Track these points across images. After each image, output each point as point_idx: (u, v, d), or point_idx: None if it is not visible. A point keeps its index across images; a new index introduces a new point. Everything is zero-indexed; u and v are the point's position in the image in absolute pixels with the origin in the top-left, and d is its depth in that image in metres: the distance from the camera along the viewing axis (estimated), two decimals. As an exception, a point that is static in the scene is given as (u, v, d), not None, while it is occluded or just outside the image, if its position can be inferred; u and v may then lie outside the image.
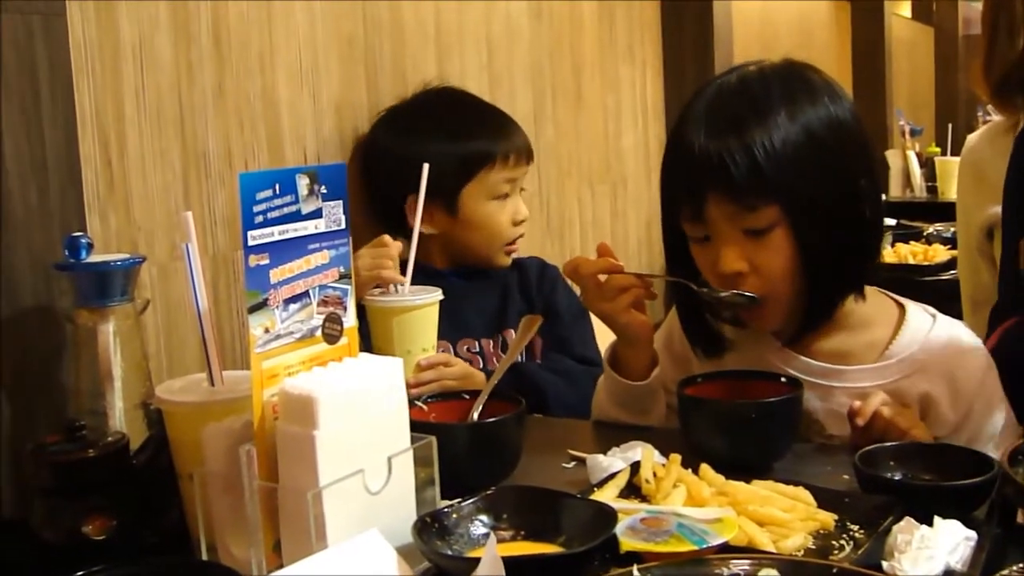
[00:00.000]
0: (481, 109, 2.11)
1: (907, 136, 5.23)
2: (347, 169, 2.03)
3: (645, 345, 1.57)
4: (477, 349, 1.98)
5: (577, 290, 1.65)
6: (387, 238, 1.75)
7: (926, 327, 1.54)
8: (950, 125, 5.42)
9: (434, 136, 1.97)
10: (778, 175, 1.39)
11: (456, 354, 1.94)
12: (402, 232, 1.91)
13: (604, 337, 1.81)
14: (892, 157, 5.23)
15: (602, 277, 1.53)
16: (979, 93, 2.00)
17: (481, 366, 1.94)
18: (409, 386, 1.53)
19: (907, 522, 1.06)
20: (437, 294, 1.66)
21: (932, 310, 1.58)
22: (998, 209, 1.87)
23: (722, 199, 1.41)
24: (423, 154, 1.83)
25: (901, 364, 1.51)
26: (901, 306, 1.57)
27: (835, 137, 1.44)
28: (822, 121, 1.43)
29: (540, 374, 1.90)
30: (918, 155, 5.25)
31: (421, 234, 1.84)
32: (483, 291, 2.03)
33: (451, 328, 1.88)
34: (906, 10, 8.08)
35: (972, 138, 2.03)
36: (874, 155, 1.52)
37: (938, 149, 5.48)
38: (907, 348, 1.52)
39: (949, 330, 1.54)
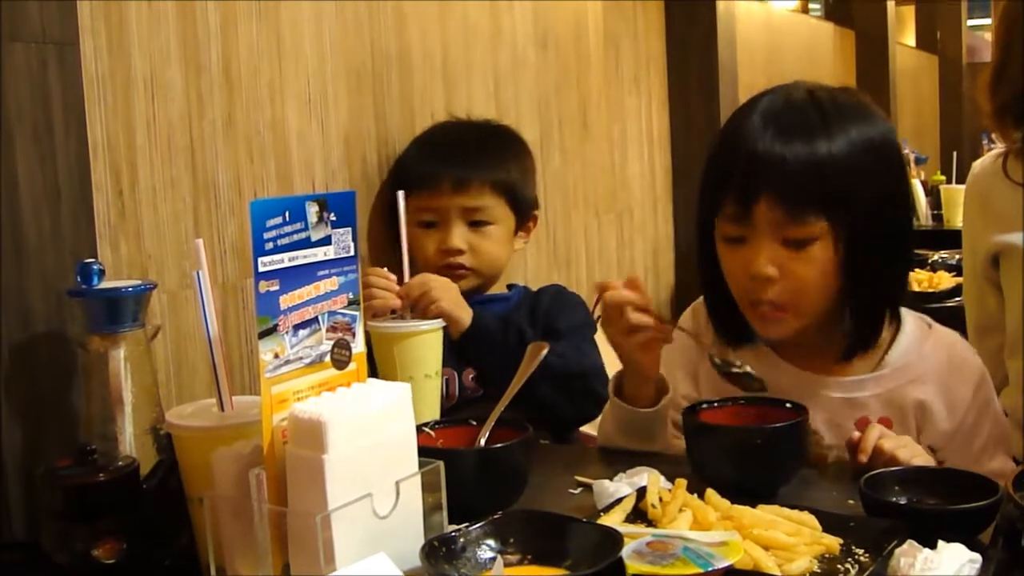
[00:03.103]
0: (444, 135, 2.15)
1: (912, 165, 5.24)
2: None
3: (651, 380, 1.57)
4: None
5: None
6: (374, 269, 1.78)
7: (922, 336, 1.57)
8: (955, 153, 5.43)
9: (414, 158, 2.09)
10: (837, 189, 1.43)
11: (461, 384, 1.95)
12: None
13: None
14: (897, 186, 5.24)
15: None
16: (983, 104, 1.95)
17: (481, 393, 1.95)
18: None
19: (910, 545, 1.07)
20: (440, 320, 1.67)
21: (928, 319, 1.61)
22: (1002, 237, 1.87)
23: (774, 204, 1.43)
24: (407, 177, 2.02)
25: (897, 373, 1.54)
26: (898, 316, 1.59)
27: (888, 155, 1.50)
28: (881, 139, 1.49)
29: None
30: (923, 183, 5.25)
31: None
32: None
33: (457, 358, 1.89)
34: (910, 39, 8.13)
35: (977, 165, 2.02)
36: (909, 182, 1.59)
37: (943, 177, 5.48)
38: (903, 357, 1.55)
39: (945, 340, 1.58)
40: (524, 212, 2.09)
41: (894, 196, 1.51)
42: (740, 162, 1.46)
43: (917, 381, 1.53)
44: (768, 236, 1.45)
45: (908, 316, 1.59)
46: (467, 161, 2.02)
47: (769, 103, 1.51)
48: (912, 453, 1.42)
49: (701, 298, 1.68)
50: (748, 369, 1.48)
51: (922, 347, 1.56)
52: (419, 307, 1.76)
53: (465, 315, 1.83)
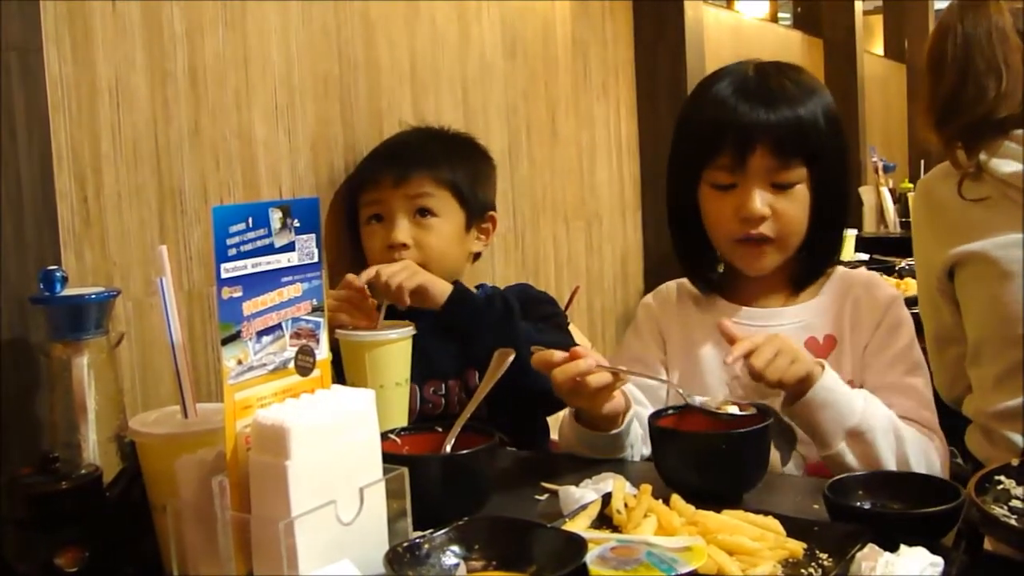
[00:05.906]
0: (397, 139, 2.17)
1: (880, 172, 5.28)
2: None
3: (615, 415, 1.57)
4: (443, 391, 1.96)
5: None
6: (352, 279, 1.77)
7: (834, 273, 1.82)
8: (923, 161, 5.48)
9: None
10: (813, 144, 1.71)
11: (423, 397, 1.94)
12: None
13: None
14: (866, 193, 5.27)
15: None
16: (925, 133, 1.92)
17: (443, 407, 1.94)
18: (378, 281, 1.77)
19: (871, 549, 1.08)
20: (409, 329, 1.66)
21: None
22: (958, 248, 1.85)
23: (767, 153, 1.69)
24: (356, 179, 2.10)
25: (810, 305, 1.78)
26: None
27: (837, 119, 1.77)
28: (832, 106, 1.77)
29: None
30: (891, 191, 5.29)
31: None
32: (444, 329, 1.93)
33: (418, 370, 1.80)
34: (878, 48, 8.18)
35: (922, 183, 2.00)
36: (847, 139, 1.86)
37: (911, 185, 5.53)
38: (832, 283, 1.80)
39: (857, 273, 1.84)
40: (474, 210, 2.06)
41: (844, 150, 1.80)
42: (733, 121, 1.70)
43: (828, 311, 1.76)
44: (759, 181, 1.70)
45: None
46: (410, 158, 2.03)
47: (741, 75, 1.76)
48: (782, 371, 1.49)
49: (666, 284, 1.91)
50: (731, 410, 1.49)
51: (846, 272, 1.81)
52: (392, 293, 1.77)
53: (443, 284, 1.84)
